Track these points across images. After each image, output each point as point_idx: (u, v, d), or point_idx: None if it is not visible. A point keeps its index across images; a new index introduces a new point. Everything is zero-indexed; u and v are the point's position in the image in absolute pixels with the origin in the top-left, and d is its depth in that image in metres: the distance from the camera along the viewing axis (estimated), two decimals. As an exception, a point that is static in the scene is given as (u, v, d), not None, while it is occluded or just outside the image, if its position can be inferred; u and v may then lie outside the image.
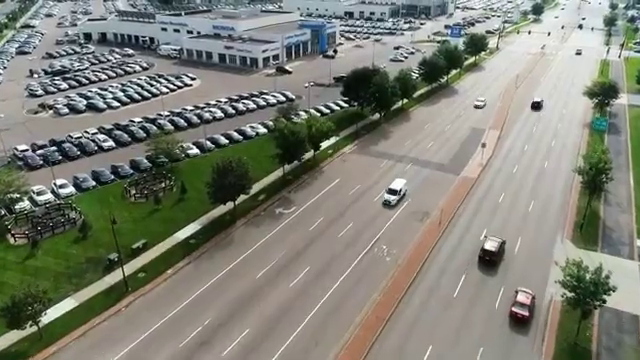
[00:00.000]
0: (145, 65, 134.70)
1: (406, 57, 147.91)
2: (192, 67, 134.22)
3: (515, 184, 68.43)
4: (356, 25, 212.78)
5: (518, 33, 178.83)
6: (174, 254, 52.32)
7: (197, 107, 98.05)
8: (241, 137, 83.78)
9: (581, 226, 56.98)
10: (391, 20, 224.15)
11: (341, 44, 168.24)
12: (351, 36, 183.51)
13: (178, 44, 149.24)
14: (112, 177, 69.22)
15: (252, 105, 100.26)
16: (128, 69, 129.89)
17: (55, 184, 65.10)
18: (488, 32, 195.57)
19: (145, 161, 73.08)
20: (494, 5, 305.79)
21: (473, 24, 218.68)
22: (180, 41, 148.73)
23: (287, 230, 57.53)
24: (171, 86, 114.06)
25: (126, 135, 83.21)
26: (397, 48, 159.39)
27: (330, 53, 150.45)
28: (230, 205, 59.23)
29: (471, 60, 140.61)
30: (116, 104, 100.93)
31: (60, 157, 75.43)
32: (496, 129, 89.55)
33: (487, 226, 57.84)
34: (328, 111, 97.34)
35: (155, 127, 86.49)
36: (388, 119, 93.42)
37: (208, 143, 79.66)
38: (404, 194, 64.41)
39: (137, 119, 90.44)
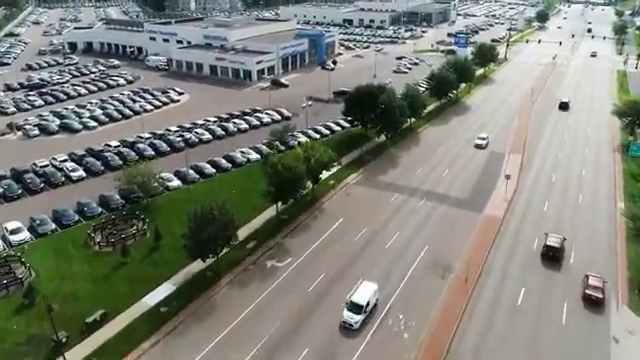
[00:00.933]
0: (130, 78, 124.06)
1: (410, 68, 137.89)
2: (181, 80, 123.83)
3: (549, 225, 57.82)
4: (355, 33, 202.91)
5: (527, 42, 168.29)
6: (139, 329, 41.43)
7: (182, 127, 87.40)
8: (230, 165, 73.14)
9: (639, 286, 46.62)
10: (392, 28, 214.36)
11: (340, 54, 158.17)
12: (351, 45, 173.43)
13: (167, 55, 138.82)
14: (76, 218, 58.50)
15: (244, 125, 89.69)
16: (111, 82, 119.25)
17: (6, 229, 54.53)
18: (494, 40, 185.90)
19: (117, 197, 62.40)
20: (496, 12, 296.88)
21: (477, 32, 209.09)
22: (169, 52, 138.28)
23: (281, 291, 46.86)
24: (156, 102, 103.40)
25: (99, 163, 72.55)
26: (400, 58, 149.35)
27: (329, 64, 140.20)
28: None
29: (480, 72, 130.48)
30: (93, 124, 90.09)
31: (20, 191, 64.84)
32: (517, 153, 79.27)
33: (524, 286, 47.45)
34: (328, 132, 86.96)
35: (133, 152, 75.98)
36: (395, 142, 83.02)
37: (191, 173, 69.07)
38: (375, 305, 43.90)
39: (114, 143, 79.73)
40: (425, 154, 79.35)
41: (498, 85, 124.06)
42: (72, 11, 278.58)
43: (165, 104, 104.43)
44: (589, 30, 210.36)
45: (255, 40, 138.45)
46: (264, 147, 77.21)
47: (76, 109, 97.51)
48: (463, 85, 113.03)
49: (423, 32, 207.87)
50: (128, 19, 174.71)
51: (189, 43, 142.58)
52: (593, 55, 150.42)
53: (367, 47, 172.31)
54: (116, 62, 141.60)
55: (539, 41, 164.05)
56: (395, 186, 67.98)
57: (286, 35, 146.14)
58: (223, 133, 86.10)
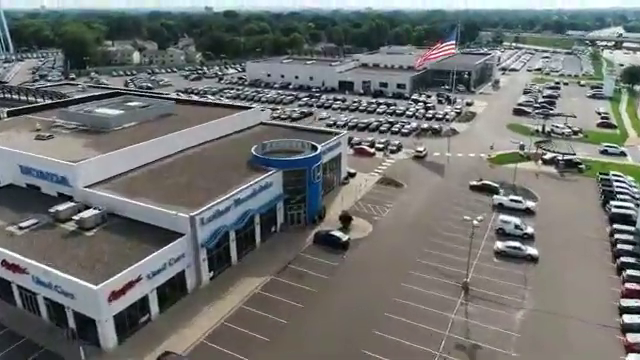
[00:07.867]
0: None
1: (531, 236, 53.34)
2: None
3: None
4: (363, 107, 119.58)
5: None
6: None
7: None
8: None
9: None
10: (415, 97, 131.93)
11: (352, 176, 73.33)
12: (364, 146, 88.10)
13: None
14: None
15: None
16: None
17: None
18: (602, 125, 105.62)
19: None
20: (536, 63, 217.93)
21: (552, 102, 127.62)
22: None
23: None
24: None
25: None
26: (489, 190, 65.31)
27: (334, 232, 54.65)
28: None
29: None
30: None
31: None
32: None
33: None
34: None
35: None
36: None
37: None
38: None
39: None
40: None
41: None
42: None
43: None
44: None
45: (145, 183, 52.66)
46: None
47: None
48: None
49: (468, 104, 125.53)
50: None
51: (-5, 180, 56.11)
52: None
53: (397, 149, 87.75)
54: None
55: None
56: None
57: (238, 150, 60.91)
58: None
